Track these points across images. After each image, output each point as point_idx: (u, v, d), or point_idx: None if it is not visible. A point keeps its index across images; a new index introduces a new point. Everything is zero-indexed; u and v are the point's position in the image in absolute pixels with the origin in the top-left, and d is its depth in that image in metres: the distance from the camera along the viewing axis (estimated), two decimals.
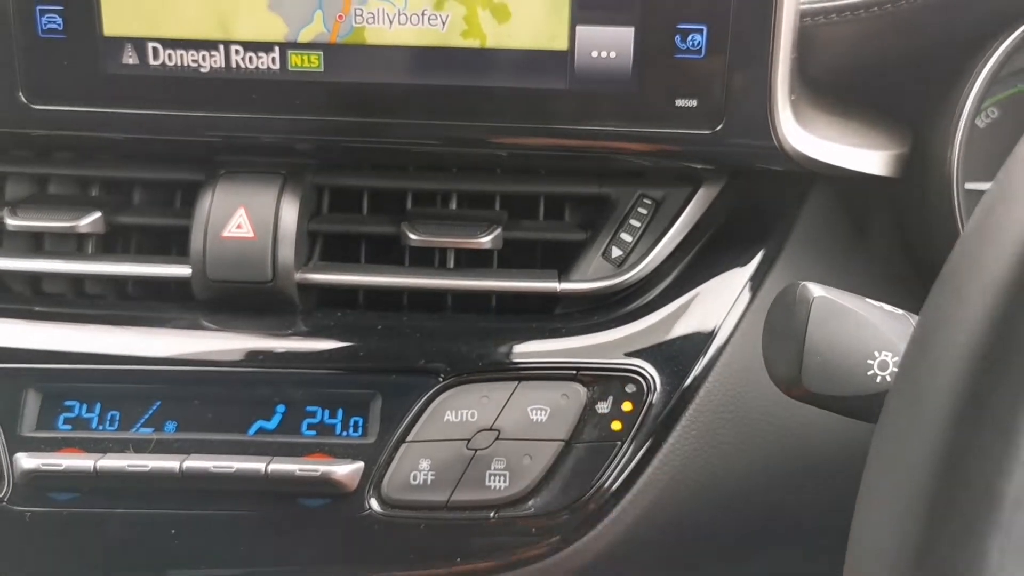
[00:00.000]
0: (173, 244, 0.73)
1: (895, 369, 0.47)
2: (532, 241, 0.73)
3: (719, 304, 0.69)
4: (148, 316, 0.69)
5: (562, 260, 0.72)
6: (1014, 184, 0.34)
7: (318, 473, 0.62)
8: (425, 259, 0.72)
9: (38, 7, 0.66)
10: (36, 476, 0.63)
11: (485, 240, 0.69)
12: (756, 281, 0.70)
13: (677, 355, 0.67)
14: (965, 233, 0.35)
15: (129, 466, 0.63)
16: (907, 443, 0.34)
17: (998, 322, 0.32)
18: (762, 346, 0.52)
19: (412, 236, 0.69)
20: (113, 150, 0.73)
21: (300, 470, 0.62)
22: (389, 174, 0.73)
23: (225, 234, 0.68)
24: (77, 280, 0.74)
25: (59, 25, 0.66)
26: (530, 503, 0.64)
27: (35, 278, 0.74)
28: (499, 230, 0.70)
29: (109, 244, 0.74)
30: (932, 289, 0.36)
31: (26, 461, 0.63)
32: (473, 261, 0.72)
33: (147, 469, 0.62)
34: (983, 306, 0.32)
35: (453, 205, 0.73)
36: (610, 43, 0.65)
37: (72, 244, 0.74)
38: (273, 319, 0.69)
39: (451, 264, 0.72)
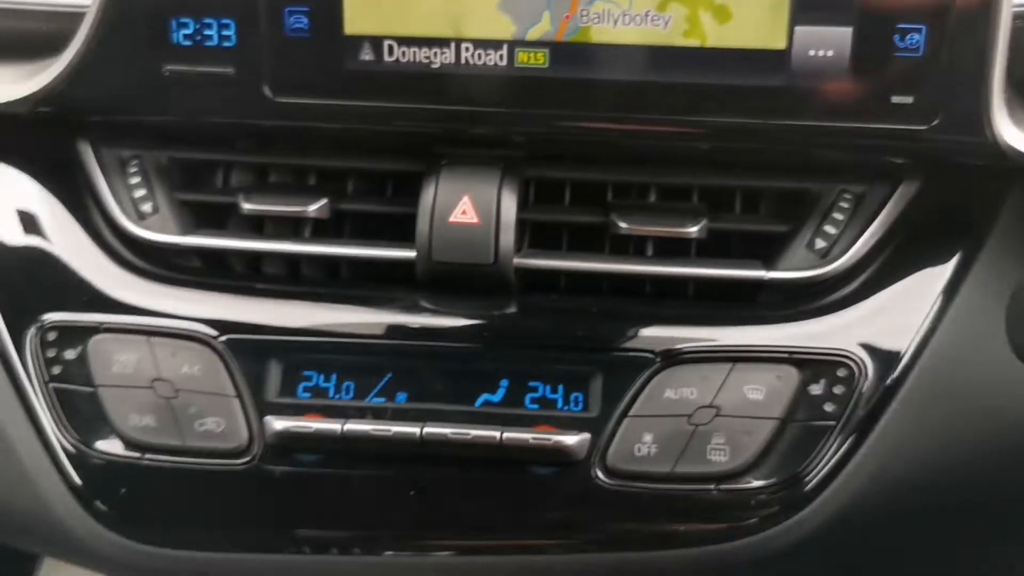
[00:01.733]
0: (384, 230, 0.77)
1: None
2: (726, 232, 0.76)
3: (923, 296, 0.71)
4: (375, 296, 0.74)
5: (751, 251, 0.75)
6: None
7: (550, 442, 0.66)
8: (620, 248, 0.76)
9: (286, 8, 0.71)
10: (287, 437, 0.68)
11: (693, 230, 0.73)
12: (958, 275, 0.72)
13: (885, 343, 0.69)
14: None
15: (373, 430, 0.67)
16: None
17: None
18: (1007, 325, 0.54)
19: (622, 224, 0.73)
20: (336, 141, 0.78)
21: (533, 439, 0.66)
22: (595, 167, 0.77)
23: (452, 219, 0.72)
24: (294, 262, 0.79)
25: (305, 25, 0.71)
26: (749, 476, 0.67)
27: (254, 258, 0.79)
28: (705, 220, 0.73)
29: (320, 229, 0.79)
30: None
31: (277, 423, 0.68)
32: (667, 251, 0.75)
33: (390, 434, 0.67)
34: None
35: (653, 197, 0.77)
36: (828, 42, 0.67)
37: (289, 229, 0.79)
38: (491, 300, 0.73)
39: (649, 252, 0.75)
